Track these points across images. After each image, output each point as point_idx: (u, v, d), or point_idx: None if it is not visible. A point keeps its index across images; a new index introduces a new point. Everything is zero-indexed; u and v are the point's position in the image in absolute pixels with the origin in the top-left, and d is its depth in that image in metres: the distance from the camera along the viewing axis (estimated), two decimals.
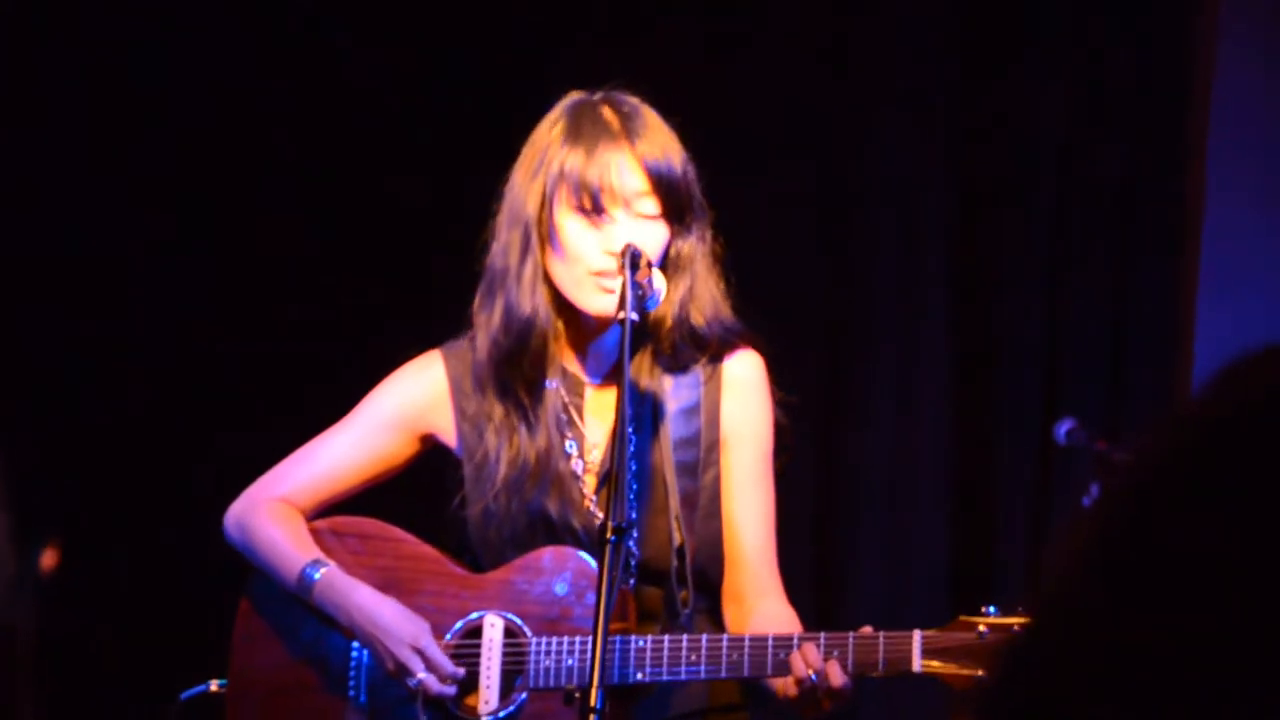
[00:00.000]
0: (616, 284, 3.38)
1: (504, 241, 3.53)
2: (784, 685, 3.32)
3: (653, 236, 3.44)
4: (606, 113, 3.49)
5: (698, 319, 3.51)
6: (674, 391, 3.54)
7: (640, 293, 3.34)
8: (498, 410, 3.54)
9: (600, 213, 3.42)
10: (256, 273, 5.31)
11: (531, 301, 3.49)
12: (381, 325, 4.95)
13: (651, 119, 3.50)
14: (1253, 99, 5.17)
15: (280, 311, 5.29)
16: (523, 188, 3.51)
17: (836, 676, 3.23)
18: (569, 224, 3.44)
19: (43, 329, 5.18)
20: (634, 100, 3.53)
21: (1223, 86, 5.11)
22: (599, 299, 3.43)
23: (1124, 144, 5.21)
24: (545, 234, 3.48)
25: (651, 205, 3.44)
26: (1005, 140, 5.27)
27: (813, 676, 3.23)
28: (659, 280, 3.39)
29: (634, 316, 3.31)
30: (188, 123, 5.28)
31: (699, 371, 3.55)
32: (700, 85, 5.19)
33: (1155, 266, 5.19)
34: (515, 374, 3.52)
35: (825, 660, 3.24)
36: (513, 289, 3.50)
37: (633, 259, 3.34)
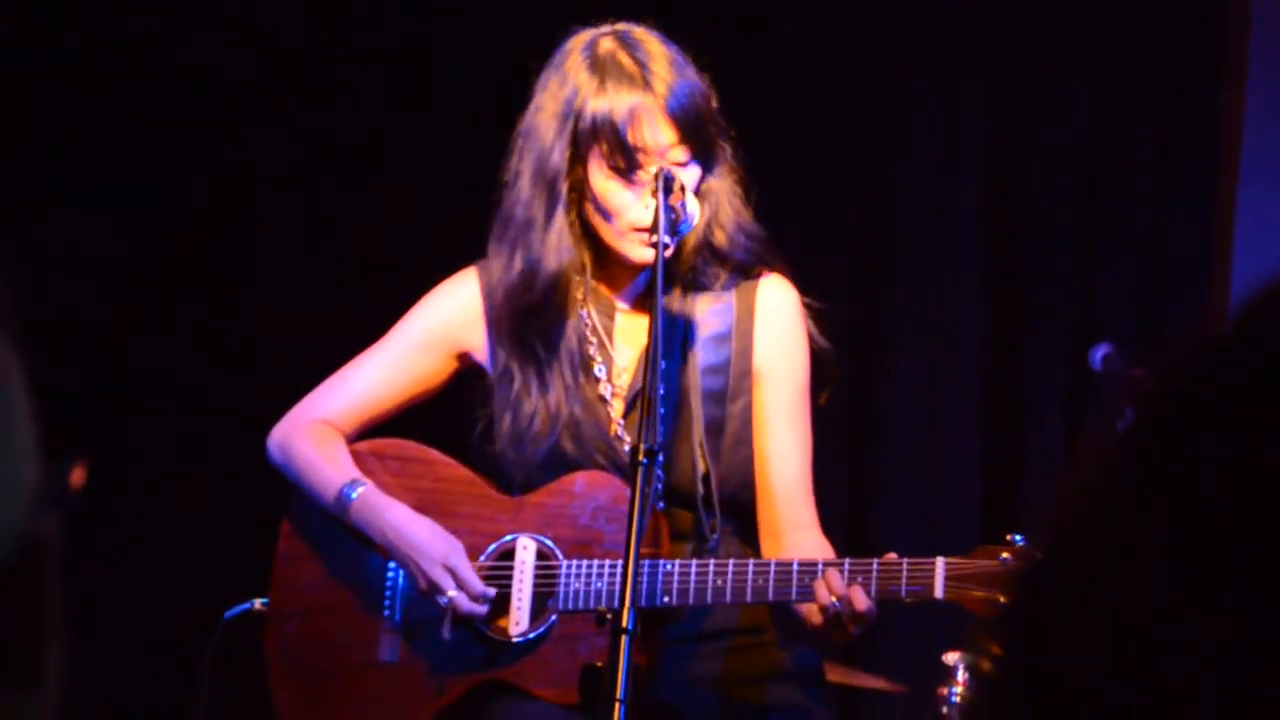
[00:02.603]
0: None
1: (528, 192, 3.53)
2: (809, 611, 3.35)
3: (685, 180, 3.44)
4: (625, 60, 3.47)
5: (720, 237, 3.53)
6: (704, 318, 3.56)
7: (674, 216, 3.36)
8: (513, 360, 3.56)
9: (636, 169, 3.44)
10: (293, 194, 5.32)
11: (558, 259, 3.51)
12: (418, 243, 4.96)
13: (666, 56, 3.49)
14: None
15: (318, 232, 5.31)
16: (547, 132, 3.51)
17: (860, 601, 3.24)
18: (608, 186, 3.46)
19: (78, 248, 5.20)
20: (644, 36, 3.52)
21: (1260, 11, 5.06)
22: (642, 251, 3.45)
23: (1160, 68, 5.17)
24: (577, 189, 3.50)
25: (682, 154, 3.46)
26: (1041, 70, 5.23)
27: (836, 603, 3.25)
28: (692, 204, 3.41)
29: (667, 239, 3.33)
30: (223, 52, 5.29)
31: (731, 299, 3.56)
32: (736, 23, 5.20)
33: (1192, 188, 5.16)
34: (532, 326, 3.54)
35: (849, 586, 3.25)
36: (537, 244, 3.51)
37: (666, 183, 3.35)
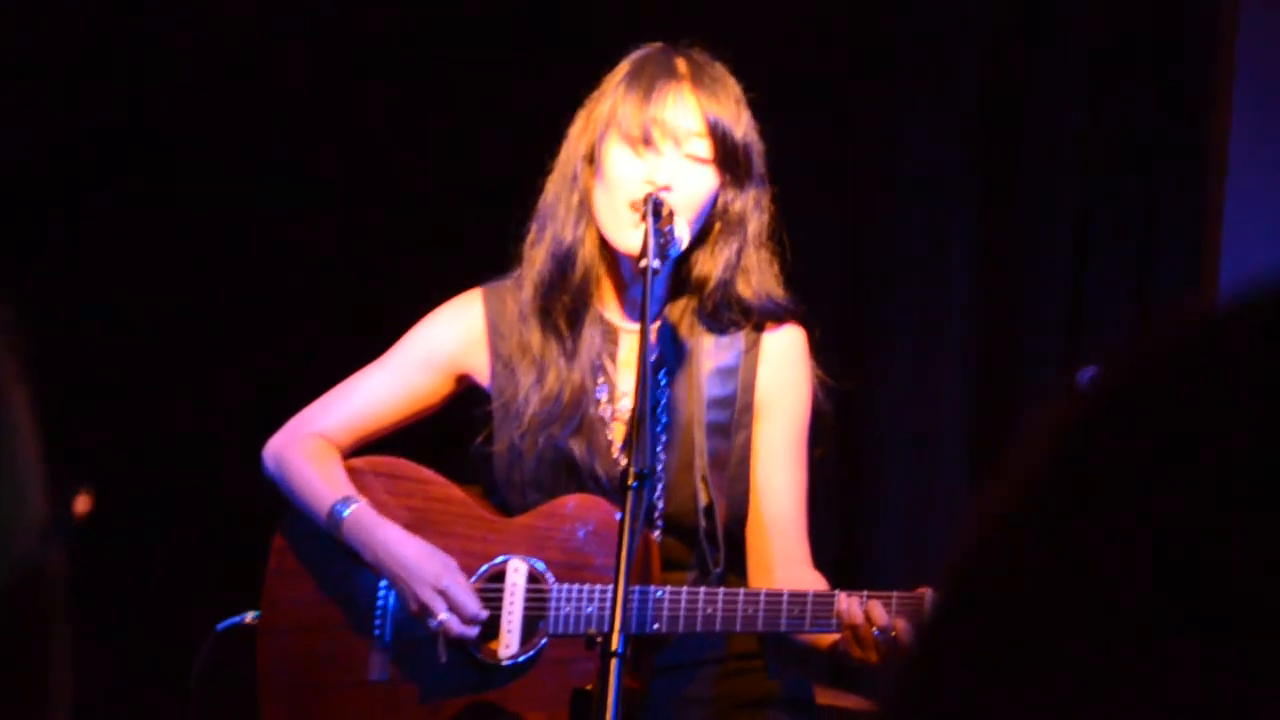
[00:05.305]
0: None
1: (556, 181, 3.55)
2: (816, 639, 3.36)
3: (698, 179, 3.44)
4: (677, 60, 3.49)
5: (745, 289, 3.52)
6: (713, 351, 3.55)
7: (662, 240, 3.35)
8: (537, 341, 3.55)
9: (648, 144, 3.42)
10: (297, 209, 5.32)
11: (574, 232, 3.51)
12: (425, 258, 4.97)
13: (725, 77, 3.49)
14: (1278, 35, 5.13)
15: (320, 247, 5.31)
16: (578, 131, 3.54)
17: (906, 634, 3.23)
18: (614, 152, 3.44)
19: (77, 271, 5.20)
20: (710, 59, 3.52)
21: (1247, 24, 5.07)
22: (629, 234, 3.43)
23: (1149, 81, 5.18)
24: (594, 169, 3.50)
25: (703, 148, 3.44)
26: (1031, 83, 5.24)
27: (876, 632, 3.23)
28: (681, 228, 3.40)
29: (655, 264, 3.32)
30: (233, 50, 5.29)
31: (741, 337, 3.56)
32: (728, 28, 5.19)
33: (1179, 206, 5.17)
34: (557, 304, 3.53)
35: (894, 619, 3.24)
36: (558, 221, 3.51)
37: (655, 207, 3.35)
